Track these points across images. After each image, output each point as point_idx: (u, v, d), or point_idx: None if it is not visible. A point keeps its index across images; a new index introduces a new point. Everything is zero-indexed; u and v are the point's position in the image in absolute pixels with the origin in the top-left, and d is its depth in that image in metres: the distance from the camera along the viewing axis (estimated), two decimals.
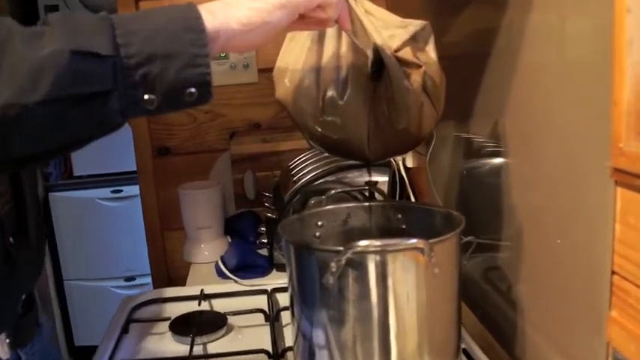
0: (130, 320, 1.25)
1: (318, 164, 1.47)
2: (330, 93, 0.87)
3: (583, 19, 0.75)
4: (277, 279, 1.43)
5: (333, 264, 0.77)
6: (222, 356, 1.09)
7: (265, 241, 1.54)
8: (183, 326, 1.19)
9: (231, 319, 1.22)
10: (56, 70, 0.60)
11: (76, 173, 3.20)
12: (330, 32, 0.88)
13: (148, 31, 0.65)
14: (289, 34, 0.92)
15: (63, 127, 0.64)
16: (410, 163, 1.55)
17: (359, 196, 1.16)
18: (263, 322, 1.21)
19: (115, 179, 3.15)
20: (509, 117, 0.95)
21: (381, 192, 1.04)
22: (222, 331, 1.19)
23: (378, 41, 0.84)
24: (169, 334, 1.18)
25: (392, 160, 1.51)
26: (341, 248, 0.77)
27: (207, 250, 1.65)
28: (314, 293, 0.83)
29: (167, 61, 0.65)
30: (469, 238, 0.95)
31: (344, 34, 0.87)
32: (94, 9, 3.00)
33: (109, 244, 3.19)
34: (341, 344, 0.81)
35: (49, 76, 0.60)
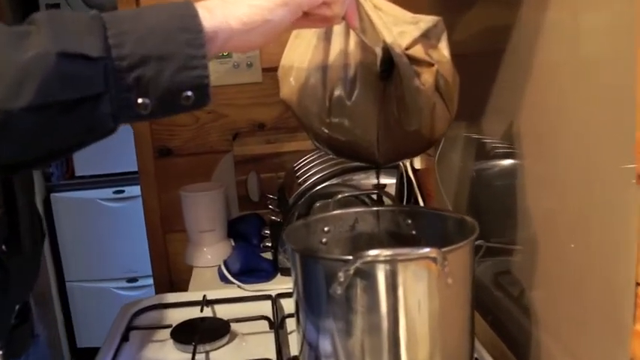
0: (130, 327, 1.21)
1: (324, 166, 1.44)
2: (338, 93, 0.83)
3: (601, 14, 0.71)
4: (282, 284, 1.40)
5: (341, 274, 0.73)
6: None
7: (269, 244, 1.52)
8: (185, 334, 1.16)
9: (234, 326, 1.19)
10: (42, 75, 0.57)
11: (78, 173, 3.18)
12: (338, 29, 0.84)
13: (142, 31, 0.61)
14: (295, 31, 0.88)
15: (51, 133, 0.60)
16: (418, 165, 1.51)
17: (367, 200, 1.13)
18: (267, 329, 1.18)
19: (117, 179, 3.13)
20: (523, 117, 0.92)
21: (389, 196, 1.00)
22: (225, 339, 1.16)
23: (388, 38, 0.80)
24: (171, 341, 1.15)
25: (400, 162, 1.48)
26: (349, 257, 0.73)
27: (210, 253, 1.62)
28: (321, 304, 0.79)
29: (162, 62, 0.61)
30: (479, 241, 0.91)
31: (352, 31, 0.83)
32: (96, 7, 2.97)
33: (111, 245, 3.17)
34: (349, 357, 0.78)
35: (33, 81, 0.56)
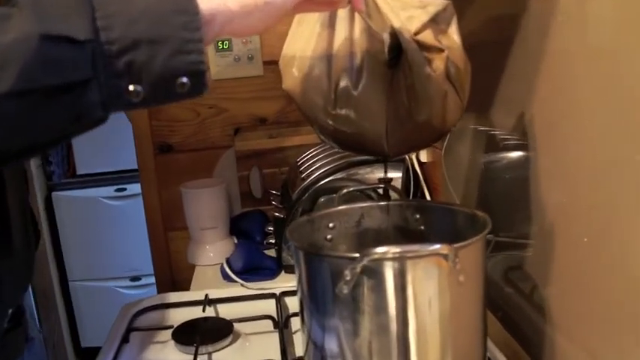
0: (130, 329, 1.19)
1: (328, 160, 1.41)
2: (343, 83, 0.79)
3: (611, 2, 0.69)
4: (286, 281, 1.37)
5: (347, 272, 0.70)
6: None
7: (273, 241, 1.49)
8: (187, 334, 1.13)
9: (237, 326, 1.16)
10: (23, 58, 0.53)
11: (80, 172, 3.18)
12: (342, 15, 0.80)
13: (133, 13, 0.57)
14: (297, 18, 0.84)
15: (34, 122, 0.56)
16: (424, 158, 1.48)
17: (372, 195, 1.10)
18: (271, 328, 1.15)
19: (118, 177, 3.12)
20: (534, 108, 0.89)
21: (396, 190, 0.96)
22: (228, 340, 1.13)
23: (396, 24, 0.76)
24: (172, 343, 1.13)
25: (406, 155, 1.45)
26: (356, 255, 0.70)
27: (212, 251, 1.59)
28: (326, 303, 0.76)
29: (155, 47, 0.57)
30: (488, 236, 0.88)
31: (357, 17, 0.79)
32: None
33: (114, 243, 3.16)
34: (356, 359, 0.75)
35: (14, 65, 0.52)
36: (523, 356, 0.99)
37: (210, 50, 1.69)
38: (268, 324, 1.15)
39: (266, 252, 1.51)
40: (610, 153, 0.71)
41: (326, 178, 1.36)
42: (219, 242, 1.61)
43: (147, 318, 1.25)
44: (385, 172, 0.90)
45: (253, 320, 1.17)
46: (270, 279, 1.43)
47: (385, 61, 0.78)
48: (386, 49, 0.77)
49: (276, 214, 1.45)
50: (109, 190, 3.13)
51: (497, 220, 1.00)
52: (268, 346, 1.09)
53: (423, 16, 0.76)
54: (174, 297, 1.31)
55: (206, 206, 1.59)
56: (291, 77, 0.82)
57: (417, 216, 0.92)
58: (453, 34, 0.79)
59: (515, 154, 1.00)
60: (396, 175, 1.38)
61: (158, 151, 1.76)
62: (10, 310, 0.91)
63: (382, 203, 0.93)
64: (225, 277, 1.44)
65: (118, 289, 3.21)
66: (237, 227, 1.67)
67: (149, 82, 0.58)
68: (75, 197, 3.12)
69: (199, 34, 0.58)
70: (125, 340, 1.15)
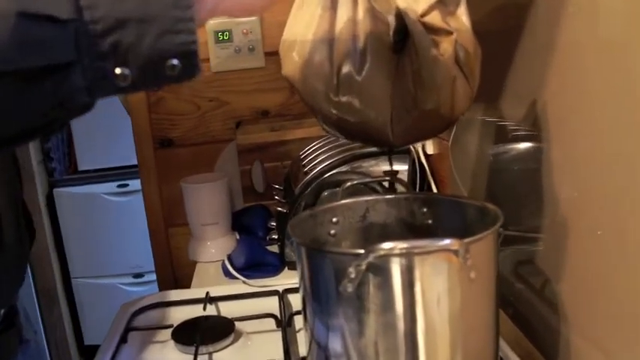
0: (129, 328, 1.16)
1: (331, 153, 1.38)
2: (346, 68, 0.75)
3: None
4: (289, 278, 1.34)
5: (351, 269, 0.66)
6: None
7: (276, 236, 1.46)
8: (187, 334, 1.10)
9: (239, 325, 1.13)
10: None
11: (81, 168, 3.17)
12: None
13: None
14: (297, 1, 0.79)
15: (13, 107, 0.52)
16: (430, 150, 1.45)
17: (378, 188, 1.06)
18: (274, 327, 1.12)
19: (120, 173, 3.10)
20: (545, 98, 0.86)
21: (403, 183, 0.93)
22: (230, 339, 1.10)
23: (401, 4, 0.72)
24: (171, 342, 1.10)
25: (411, 146, 1.41)
26: (361, 251, 0.66)
27: (214, 247, 1.56)
28: (330, 302, 0.72)
29: (143, 26, 0.53)
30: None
31: None
32: None
33: (117, 240, 3.15)
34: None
35: None
36: (537, 356, 0.95)
37: (209, 42, 1.66)
38: (271, 322, 1.13)
39: (269, 248, 1.49)
40: (622, 145, 0.68)
41: (329, 171, 1.33)
42: (221, 238, 1.57)
43: (146, 317, 1.22)
44: (391, 164, 0.86)
45: (255, 319, 1.14)
46: (273, 275, 1.40)
47: (390, 44, 0.74)
48: (391, 32, 0.73)
49: (279, 208, 1.43)
50: (111, 186, 3.12)
51: (506, 213, 0.97)
52: (271, 345, 1.07)
53: None
54: (174, 295, 1.28)
55: (207, 201, 1.56)
56: (292, 63, 0.78)
57: (425, 209, 0.88)
58: (462, 15, 0.75)
59: (525, 146, 0.97)
60: (401, 167, 1.35)
61: (158, 145, 1.72)
62: (1, 311, 0.88)
63: (388, 196, 0.89)
64: (227, 274, 1.41)
65: (121, 286, 3.20)
66: (239, 223, 1.64)
67: (137, 65, 0.54)
68: (76, 194, 3.11)
69: (190, 12, 0.54)
70: (123, 340, 1.12)
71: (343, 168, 1.32)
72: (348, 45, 0.74)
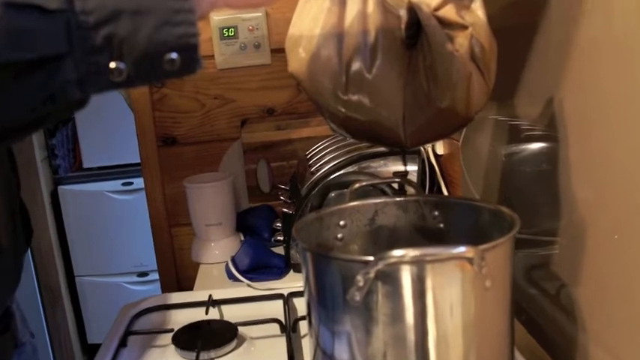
0: (129, 332, 1.13)
1: (339, 152, 1.35)
2: (356, 65, 0.71)
3: None
4: (294, 281, 1.31)
5: (359, 277, 0.63)
6: None
7: (281, 238, 1.44)
8: (188, 338, 1.08)
9: (242, 330, 1.10)
10: None
11: (86, 165, 3.15)
12: None
13: None
14: None
15: (1, 102, 0.49)
16: (440, 150, 1.42)
17: (387, 190, 1.02)
18: (279, 332, 1.09)
19: (125, 171, 3.08)
20: (560, 97, 0.83)
21: (413, 184, 0.89)
22: (232, 345, 1.07)
23: None
24: (172, 347, 1.07)
25: (421, 147, 1.38)
26: (370, 258, 0.62)
27: (218, 249, 1.54)
28: (336, 311, 0.69)
29: (138, 18, 0.50)
30: None
31: None
32: None
33: (121, 238, 3.13)
34: None
35: None
36: None
37: (214, 38, 1.63)
38: (275, 328, 1.10)
39: (274, 249, 1.46)
40: None
41: (337, 171, 1.30)
42: (225, 239, 1.55)
43: (147, 320, 1.19)
44: (404, 163, 0.82)
45: (259, 324, 1.11)
46: (278, 278, 1.37)
47: (402, 39, 0.70)
48: (403, 26, 0.69)
49: (285, 209, 1.40)
50: (116, 184, 3.10)
51: (519, 216, 0.95)
52: (275, 351, 1.04)
53: None
54: (176, 297, 1.25)
55: (211, 201, 1.53)
56: (298, 59, 0.74)
57: (436, 213, 0.86)
58: (477, 9, 0.71)
59: (540, 146, 0.94)
60: (411, 168, 1.31)
61: (161, 143, 1.69)
62: None
63: (398, 199, 0.86)
64: (230, 276, 1.38)
65: (125, 284, 3.18)
66: (244, 223, 1.62)
67: (133, 59, 0.50)
68: (81, 191, 3.10)
69: (190, 3, 0.51)
70: (123, 343, 1.10)
71: (351, 168, 1.30)
72: (357, 40, 0.70)
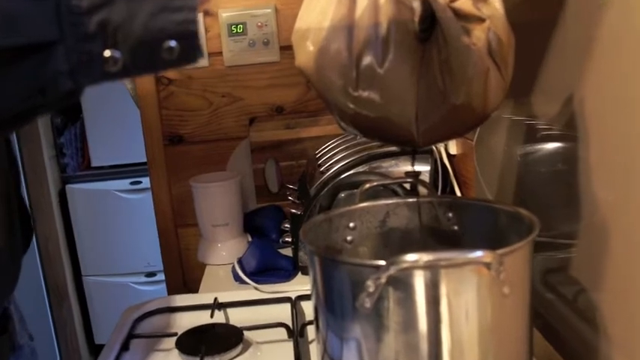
0: (131, 335, 1.11)
1: (349, 152, 1.33)
2: (367, 59, 0.67)
3: None
4: (303, 283, 1.30)
5: (370, 283, 0.61)
6: None
7: (290, 239, 1.41)
8: (192, 343, 1.05)
9: (247, 334, 1.08)
10: None
11: (94, 164, 3.14)
12: None
13: None
14: None
15: None
16: (453, 150, 1.38)
17: (398, 190, 0.99)
18: (286, 337, 1.06)
19: (133, 170, 3.07)
20: (585, 94, 0.80)
21: (426, 185, 0.86)
22: (237, 350, 1.04)
23: None
24: (176, 352, 1.04)
25: (433, 145, 1.35)
26: (382, 263, 0.60)
27: (224, 250, 1.51)
28: (345, 318, 0.66)
29: (134, 2, 0.47)
30: None
31: None
32: None
33: (129, 238, 3.12)
34: None
35: None
36: None
37: (223, 34, 1.61)
38: (282, 332, 1.07)
39: (282, 251, 1.44)
40: None
41: (347, 171, 1.28)
42: (232, 240, 1.53)
43: (150, 323, 1.17)
44: (413, 163, 0.79)
45: (265, 328, 1.08)
46: (286, 281, 1.35)
47: (415, 32, 0.66)
48: (416, 19, 0.66)
49: (294, 210, 1.38)
50: (124, 183, 3.09)
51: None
52: (281, 357, 1.02)
53: None
54: (180, 300, 1.23)
55: (218, 202, 1.51)
56: (305, 52, 0.71)
57: (450, 214, 0.83)
58: (495, 1, 0.68)
59: (557, 146, 0.91)
60: (423, 168, 1.28)
61: (168, 142, 1.68)
62: None
63: (410, 200, 0.83)
64: (237, 278, 1.35)
65: (133, 285, 3.17)
66: (252, 224, 1.60)
67: (129, 47, 0.47)
68: (89, 190, 3.09)
69: None
70: (125, 347, 1.07)
71: (361, 168, 1.27)
72: (368, 33, 0.67)
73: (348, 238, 0.82)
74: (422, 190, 0.89)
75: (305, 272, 1.36)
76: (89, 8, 0.46)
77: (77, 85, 0.48)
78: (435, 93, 0.67)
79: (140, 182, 3.05)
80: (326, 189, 1.26)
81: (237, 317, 1.15)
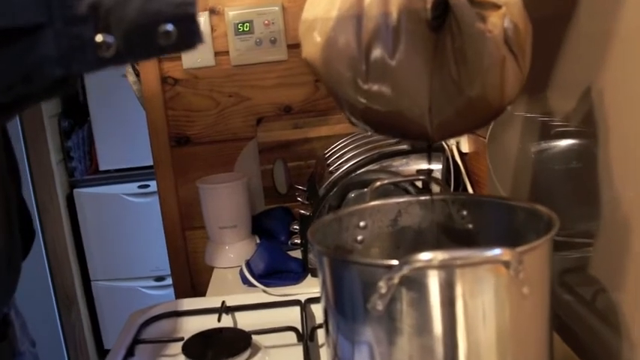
0: (137, 340, 1.09)
1: (359, 151, 1.31)
2: (377, 50, 0.65)
3: None
4: (312, 286, 1.27)
5: (382, 284, 0.58)
6: None
7: (299, 241, 1.40)
8: (199, 348, 1.03)
9: (256, 339, 1.06)
10: None
11: (102, 168, 3.14)
12: None
13: None
14: None
15: None
16: (465, 148, 1.36)
17: (410, 189, 0.96)
18: (295, 341, 1.05)
19: (141, 174, 3.06)
20: (604, 89, 0.78)
21: (438, 182, 0.83)
22: (246, 354, 1.02)
23: None
24: (182, 357, 1.02)
25: (444, 144, 1.32)
26: (394, 262, 0.57)
27: (232, 252, 1.50)
28: (356, 321, 0.64)
29: None
30: None
31: None
32: None
33: (138, 242, 3.11)
34: None
35: None
36: None
37: (229, 33, 1.59)
38: (291, 336, 1.05)
39: (291, 253, 1.42)
40: None
41: (356, 170, 1.25)
42: (240, 242, 1.51)
43: (156, 327, 1.16)
44: (429, 160, 0.76)
45: (274, 332, 1.07)
46: (295, 283, 1.33)
47: (428, 20, 0.63)
48: (428, 6, 0.63)
49: (302, 211, 1.35)
50: (132, 187, 3.09)
51: None
52: None
53: None
54: (187, 304, 1.21)
55: (225, 203, 1.49)
56: (312, 44, 0.68)
57: (464, 212, 0.80)
58: None
59: (573, 142, 0.89)
60: (435, 167, 1.26)
61: (174, 143, 1.66)
62: None
63: (423, 198, 0.81)
64: (245, 281, 1.34)
65: (142, 289, 3.16)
66: (260, 226, 1.58)
67: (122, 31, 0.44)
68: (97, 194, 3.09)
69: None
70: (130, 353, 1.06)
71: (371, 167, 1.25)
72: (378, 22, 0.64)
73: (359, 237, 0.80)
74: (434, 188, 0.87)
75: (315, 274, 1.34)
76: None
77: (67, 71, 0.45)
78: (449, 85, 0.64)
79: (148, 186, 3.04)
80: (335, 188, 1.24)
81: (246, 321, 1.14)
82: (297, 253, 1.41)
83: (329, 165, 1.35)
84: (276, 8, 1.57)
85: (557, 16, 0.85)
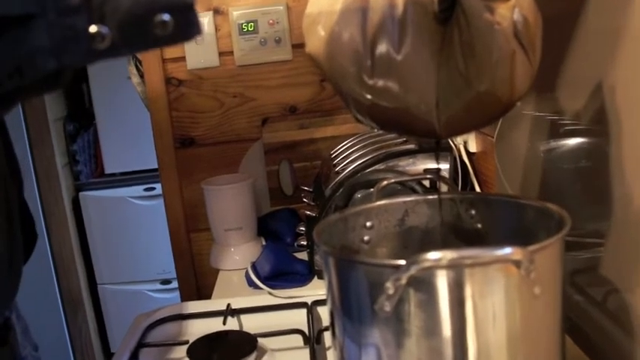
0: (141, 344, 1.08)
1: (365, 151, 1.30)
2: (383, 44, 0.63)
3: None
4: (319, 288, 1.25)
5: (389, 284, 0.57)
6: None
7: (305, 243, 1.38)
8: (204, 351, 1.03)
9: (262, 342, 1.05)
10: None
11: (108, 171, 3.14)
12: None
13: None
14: None
15: None
16: (473, 147, 1.35)
17: (417, 188, 0.95)
18: (301, 344, 1.04)
19: (147, 176, 3.06)
20: (616, 87, 0.78)
21: (446, 181, 0.82)
22: (252, 358, 1.01)
23: None
24: None
25: (451, 143, 1.31)
26: (401, 262, 0.56)
27: (238, 254, 1.48)
28: (363, 322, 0.63)
29: None
30: None
31: None
32: None
33: (144, 245, 3.11)
34: None
35: None
36: None
37: (233, 33, 1.58)
38: (298, 339, 1.04)
39: (297, 255, 1.41)
40: None
41: (363, 170, 1.25)
42: (245, 244, 1.50)
43: (161, 331, 1.15)
44: (437, 159, 0.74)
45: (281, 335, 1.06)
46: (301, 285, 1.32)
47: (435, 13, 0.62)
48: None
49: (309, 212, 1.35)
50: (138, 190, 3.09)
51: None
52: None
53: None
54: (192, 307, 1.20)
55: (230, 205, 1.48)
56: (316, 38, 0.67)
57: (473, 212, 0.80)
58: None
59: (583, 141, 0.89)
60: (442, 166, 1.25)
61: (179, 144, 1.65)
62: None
63: (430, 197, 0.80)
64: (251, 283, 1.33)
65: (149, 292, 3.16)
66: (266, 227, 1.57)
67: (117, 21, 0.43)
68: (103, 197, 3.09)
69: None
70: (135, 356, 1.05)
71: (378, 167, 1.24)
72: (383, 15, 0.63)
73: (365, 237, 0.79)
74: (442, 187, 0.85)
75: (321, 276, 1.31)
76: None
77: (60, 63, 0.44)
78: (456, 79, 0.63)
79: (154, 188, 3.04)
80: (341, 189, 1.23)
81: (251, 324, 1.13)
82: (303, 255, 1.40)
83: (335, 165, 1.34)
84: (281, 8, 1.57)
85: (566, 13, 0.84)
